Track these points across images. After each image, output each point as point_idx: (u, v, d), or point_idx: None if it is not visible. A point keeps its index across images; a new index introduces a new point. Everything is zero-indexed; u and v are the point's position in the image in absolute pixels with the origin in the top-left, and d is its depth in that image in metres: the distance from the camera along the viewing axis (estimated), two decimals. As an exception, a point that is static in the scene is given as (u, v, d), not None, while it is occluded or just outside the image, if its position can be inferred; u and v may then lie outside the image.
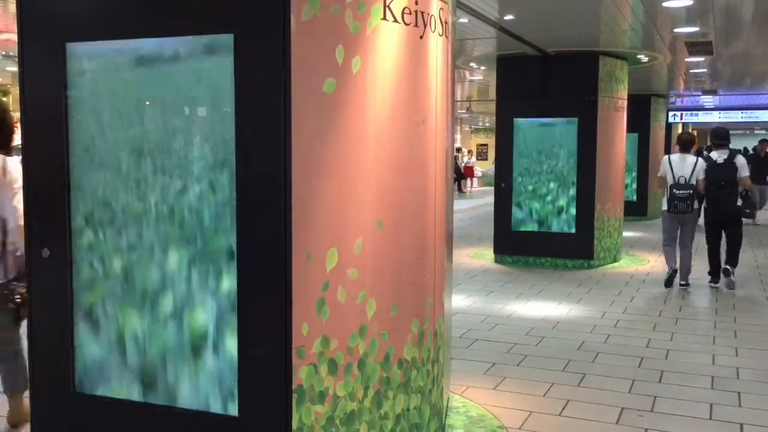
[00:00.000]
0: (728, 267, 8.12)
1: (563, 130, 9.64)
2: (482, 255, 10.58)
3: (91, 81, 3.00)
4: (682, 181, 7.63)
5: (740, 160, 7.72)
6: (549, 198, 9.74)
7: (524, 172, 9.90)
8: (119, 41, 2.92)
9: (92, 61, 2.98)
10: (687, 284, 8.12)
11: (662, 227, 8.15)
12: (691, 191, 7.61)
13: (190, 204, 2.88)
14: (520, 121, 9.87)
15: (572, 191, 9.62)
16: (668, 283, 8.14)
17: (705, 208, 7.98)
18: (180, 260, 2.91)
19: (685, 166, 7.71)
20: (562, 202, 9.68)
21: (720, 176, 7.61)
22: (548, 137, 9.72)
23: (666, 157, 8.02)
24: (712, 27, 8.43)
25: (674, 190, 7.63)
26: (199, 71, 2.82)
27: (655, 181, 8.61)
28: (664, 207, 7.87)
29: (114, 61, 2.94)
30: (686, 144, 8.02)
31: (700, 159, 7.80)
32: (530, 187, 9.83)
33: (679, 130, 23.01)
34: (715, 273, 8.23)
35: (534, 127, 9.80)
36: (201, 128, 2.85)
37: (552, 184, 9.72)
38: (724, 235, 8.04)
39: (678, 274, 8.12)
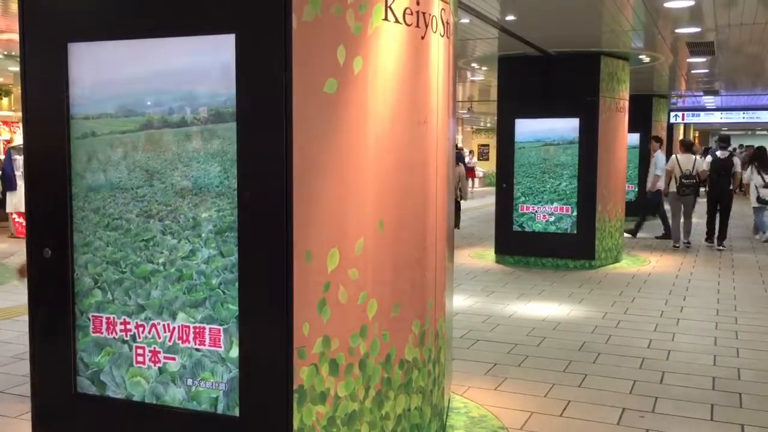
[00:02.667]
0: (721, 247, 11.26)
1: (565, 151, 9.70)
2: (483, 255, 10.58)
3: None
4: (687, 173, 11.01)
5: (735, 160, 11.36)
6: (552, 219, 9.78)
7: (527, 191, 9.96)
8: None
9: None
10: (689, 243, 11.45)
11: (670, 205, 11.47)
12: (695, 180, 11.00)
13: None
14: (521, 141, 9.88)
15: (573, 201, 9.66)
16: (678, 246, 11.35)
17: (707, 189, 11.45)
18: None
19: (688, 162, 11.08)
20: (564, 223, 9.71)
21: (721, 167, 11.07)
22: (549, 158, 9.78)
23: (674, 156, 11.46)
24: (713, 27, 8.43)
25: (683, 180, 11.02)
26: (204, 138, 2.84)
27: (666, 173, 11.74)
28: (673, 189, 11.20)
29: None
30: (688, 146, 11.56)
31: (697, 157, 11.28)
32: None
33: (681, 131, 23.08)
34: (710, 236, 11.57)
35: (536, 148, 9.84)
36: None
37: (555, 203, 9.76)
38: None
39: (682, 237, 11.39)
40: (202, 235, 2.87)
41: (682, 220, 11.41)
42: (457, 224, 12.78)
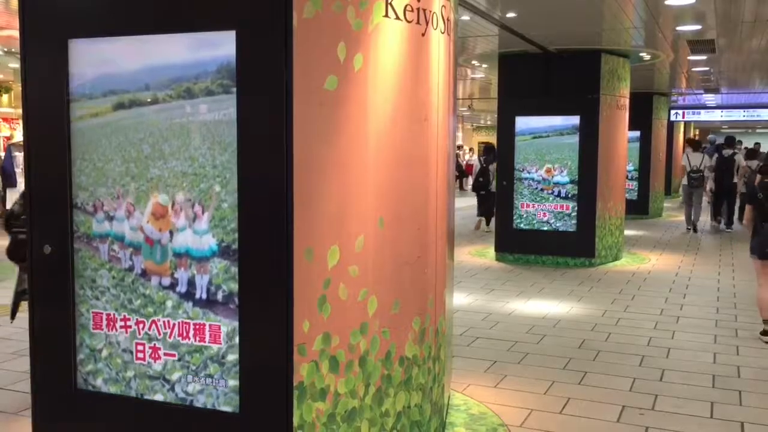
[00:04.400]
0: (729, 230, 13.52)
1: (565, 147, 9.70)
2: (483, 253, 10.58)
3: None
4: (695, 168, 13.02)
5: (738, 156, 13.59)
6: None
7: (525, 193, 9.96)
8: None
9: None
10: (695, 230, 13.38)
11: (682, 195, 14.00)
12: (701, 174, 13.00)
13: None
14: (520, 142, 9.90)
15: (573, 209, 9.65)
16: (689, 230, 13.38)
17: (714, 183, 13.35)
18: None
19: (696, 159, 13.15)
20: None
21: (725, 164, 13.13)
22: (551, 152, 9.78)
23: (684, 153, 13.73)
24: (714, 25, 8.42)
25: (690, 174, 13.06)
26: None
27: (678, 168, 14.63)
28: (684, 182, 13.27)
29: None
30: (696, 145, 13.91)
31: (705, 155, 13.37)
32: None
33: (681, 129, 23.14)
34: (714, 216, 13.91)
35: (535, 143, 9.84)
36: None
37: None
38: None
39: (692, 224, 13.44)
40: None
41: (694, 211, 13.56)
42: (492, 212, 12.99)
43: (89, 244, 3.02)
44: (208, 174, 2.82)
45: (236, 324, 2.80)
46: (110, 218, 2.96)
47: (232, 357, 2.86)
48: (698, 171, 12.96)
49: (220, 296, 2.81)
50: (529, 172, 9.85)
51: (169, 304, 2.87)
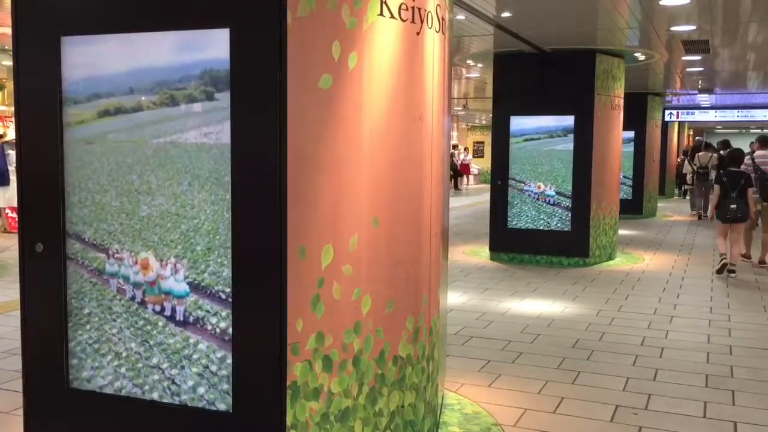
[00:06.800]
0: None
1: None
2: (478, 252, 10.59)
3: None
4: (703, 165, 15.48)
5: None
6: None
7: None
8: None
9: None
10: (707, 216, 14.13)
11: (695, 188, 16.44)
12: (707, 170, 15.22)
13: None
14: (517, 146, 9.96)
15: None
16: (697, 215, 16.01)
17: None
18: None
19: (705, 158, 15.42)
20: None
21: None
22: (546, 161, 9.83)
23: (697, 154, 16.14)
24: (709, 25, 8.44)
25: (699, 170, 15.61)
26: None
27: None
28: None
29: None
30: (707, 146, 16.16)
31: (712, 155, 15.20)
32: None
33: (675, 129, 23.22)
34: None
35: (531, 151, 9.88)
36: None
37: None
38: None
39: (703, 212, 15.47)
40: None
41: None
42: None
43: (100, 277, 3.10)
44: (187, 215, 2.90)
45: (199, 337, 2.93)
46: (119, 262, 3.08)
47: (226, 356, 2.87)
48: (704, 168, 15.53)
49: (191, 320, 2.96)
50: (528, 186, 9.90)
51: (160, 323, 3.03)
